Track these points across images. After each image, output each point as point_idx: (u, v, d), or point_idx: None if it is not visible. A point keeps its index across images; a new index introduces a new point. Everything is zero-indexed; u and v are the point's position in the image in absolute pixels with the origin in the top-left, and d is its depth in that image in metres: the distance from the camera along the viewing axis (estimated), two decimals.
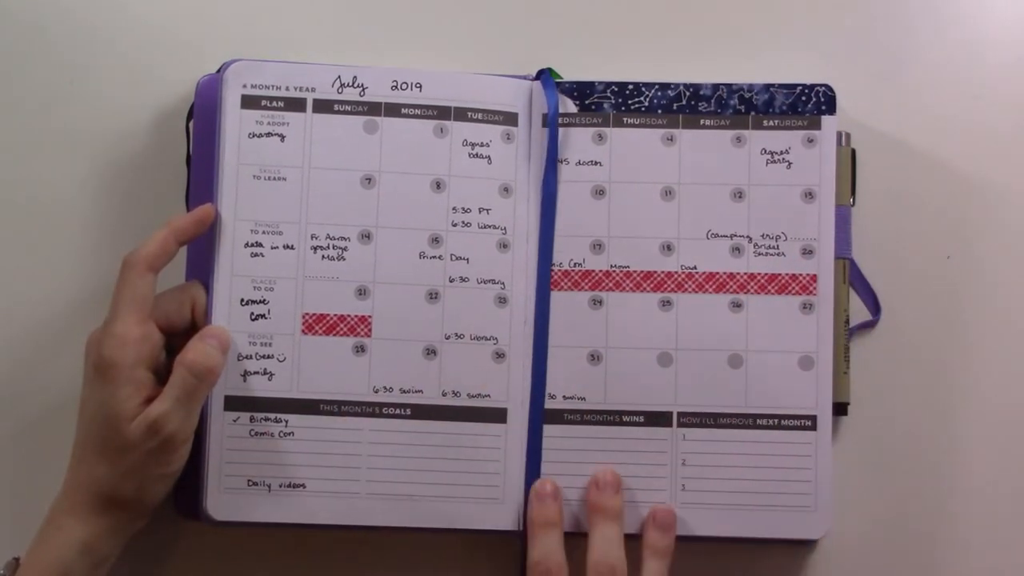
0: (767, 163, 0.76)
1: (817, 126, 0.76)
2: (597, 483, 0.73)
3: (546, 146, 0.75)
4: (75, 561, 0.68)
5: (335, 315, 0.74)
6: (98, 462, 0.69)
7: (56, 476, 0.70)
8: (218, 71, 0.75)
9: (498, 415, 0.74)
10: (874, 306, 0.78)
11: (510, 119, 0.76)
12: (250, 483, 0.73)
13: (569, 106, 0.76)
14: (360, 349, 0.74)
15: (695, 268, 0.75)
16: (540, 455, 0.74)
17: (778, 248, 0.75)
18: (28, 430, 0.77)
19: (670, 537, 0.73)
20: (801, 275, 0.75)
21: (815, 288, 0.75)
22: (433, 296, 0.74)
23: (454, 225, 0.74)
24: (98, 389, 0.69)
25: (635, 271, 0.76)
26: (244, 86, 0.74)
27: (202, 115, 0.76)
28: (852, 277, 0.77)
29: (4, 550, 0.71)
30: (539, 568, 0.71)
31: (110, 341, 0.69)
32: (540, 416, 0.74)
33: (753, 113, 0.76)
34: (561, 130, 0.76)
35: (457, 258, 0.75)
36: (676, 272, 0.76)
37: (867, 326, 0.78)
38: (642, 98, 0.76)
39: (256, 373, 0.73)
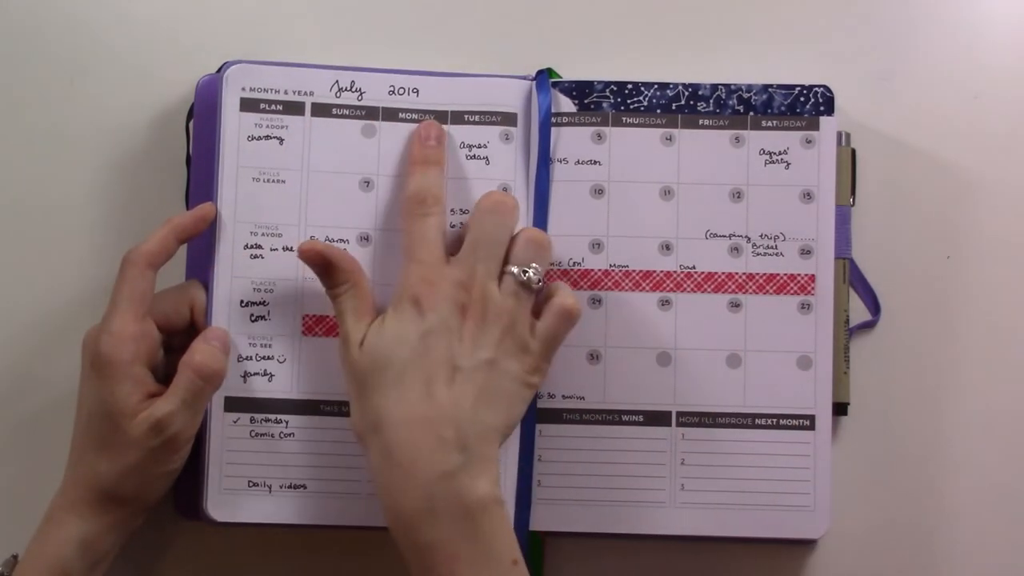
0: (766, 163, 0.76)
1: (816, 127, 0.75)
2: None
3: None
4: (74, 558, 0.68)
5: (335, 317, 0.74)
6: (98, 459, 0.69)
7: (56, 473, 0.71)
8: (218, 71, 0.75)
9: None
10: (874, 306, 0.78)
11: (508, 119, 0.76)
12: (250, 484, 0.73)
13: (568, 105, 0.76)
14: None
15: (694, 268, 0.76)
16: (533, 454, 0.75)
17: (776, 248, 0.75)
18: (28, 427, 0.77)
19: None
20: (799, 275, 0.75)
21: (813, 288, 0.75)
22: None
23: (453, 227, 0.74)
24: (96, 386, 0.69)
25: (634, 270, 0.76)
26: (243, 89, 0.74)
27: (202, 115, 0.76)
28: (852, 277, 0.77)
29: (3, 547, 0.71)
30: (416, 198, 0.71)
31: (107, 338, 0.69)
32: (532, 414, 0.74)
33: (752, 113, 0.76)
34: (560, 129, 0.76)
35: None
36: (675, 272, 0.76)
37: (867, 326, 0.78)
38: (641, 98, 0.76)
39: (256, 374, 0.74)
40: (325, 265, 0.70)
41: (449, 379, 0.67)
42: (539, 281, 0.70)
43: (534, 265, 0.70)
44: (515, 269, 0.69)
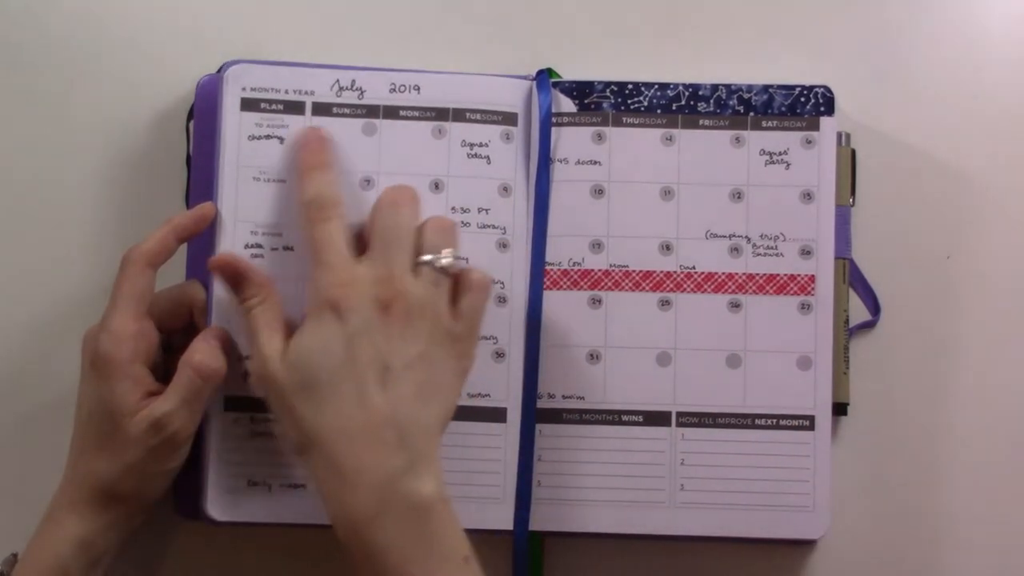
0: (766, 164, 0.76)
1: (816, 127, 0.76)
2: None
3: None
4: (73, 557, 0.68)
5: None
6: (97, 457, 0.69)
7: (56, 472, 0.70)
8: (218, 71, 0.76)
9: (498, 415, 0.75)
10: (874, 306, 0.78)
11: (509, 119, 0.76)
12: (250, 483, 0.73)
13: (568, 105, 0.76)
14: None
15: (694, 268, 0.76)
16: (532, 454, 0.75)
17: (776, 248, 0.75)
18: (28, 427, 0.77)
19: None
20: (799, 275, 0.75)
21: (813, 288, 0.75)
22: None
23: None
24: (95, 384, 0.69)
25: (634, 271, 0.76)
26: (243, 89, 0.74)
27: (202, 115, 0.76)
28: (852, 277, 0.77)
29: (3, 546, 0.71)
30: (314, 204, 0.68)
31: (106, 336, 0.69)
32: (532, 414, 0.75)
33: (752, 114, 0.76)
34: (560, 129, 0.76)
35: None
36: (675, 272, 0.76)
37: (867, 326, 0.78)
38: (641, 98, 0.76)
39: None
40: (236, 277, 0.69)
41: (381, 381, 0.65)
42: (455, 264, 0.68)
43: (448, 250, 0.68)
44: (430, 257, 0.67)
